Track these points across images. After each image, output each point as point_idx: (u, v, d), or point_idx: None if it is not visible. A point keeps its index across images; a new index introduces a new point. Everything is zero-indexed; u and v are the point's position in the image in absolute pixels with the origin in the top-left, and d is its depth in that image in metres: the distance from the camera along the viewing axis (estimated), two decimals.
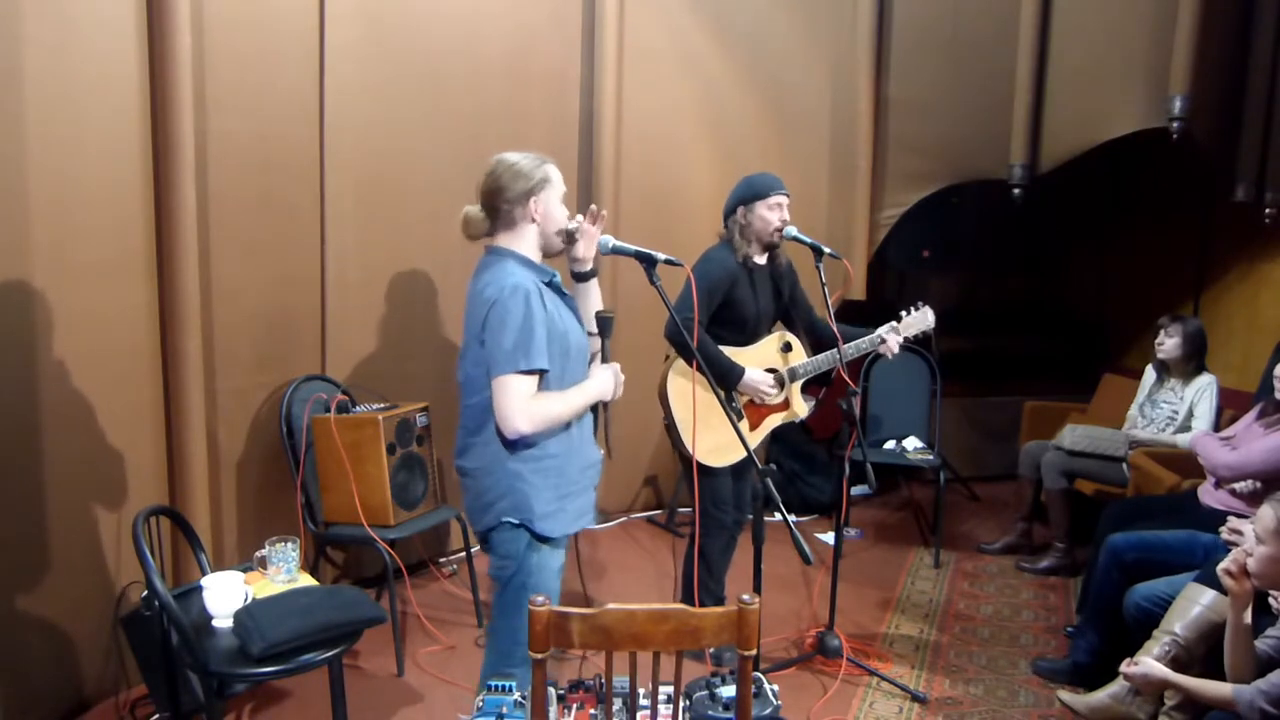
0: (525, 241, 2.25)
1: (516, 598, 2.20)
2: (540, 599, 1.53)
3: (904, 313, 3.33)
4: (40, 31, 2.51)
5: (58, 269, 2.60)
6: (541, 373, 2.13)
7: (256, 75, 3.12)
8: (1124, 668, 2.53)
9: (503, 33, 3.98)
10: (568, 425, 2.23)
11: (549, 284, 2.24)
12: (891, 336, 3.22)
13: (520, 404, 2.09)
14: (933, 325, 3.35)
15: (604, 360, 2.33)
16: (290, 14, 3.21)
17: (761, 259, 3.20)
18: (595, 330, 2.32)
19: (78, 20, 2.59)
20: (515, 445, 2.16)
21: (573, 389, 2.22)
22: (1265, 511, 2.24)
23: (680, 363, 3.09)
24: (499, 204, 2.23)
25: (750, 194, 3.13)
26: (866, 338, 3.23)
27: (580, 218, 2.32)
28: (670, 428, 3.13)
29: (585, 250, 2.31)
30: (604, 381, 2.28)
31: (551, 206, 2.25)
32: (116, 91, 2.72)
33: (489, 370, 2.11)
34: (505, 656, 2.24)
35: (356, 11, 3.40)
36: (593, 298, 2.38)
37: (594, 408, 2.34)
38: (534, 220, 2.23)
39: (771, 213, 3.11)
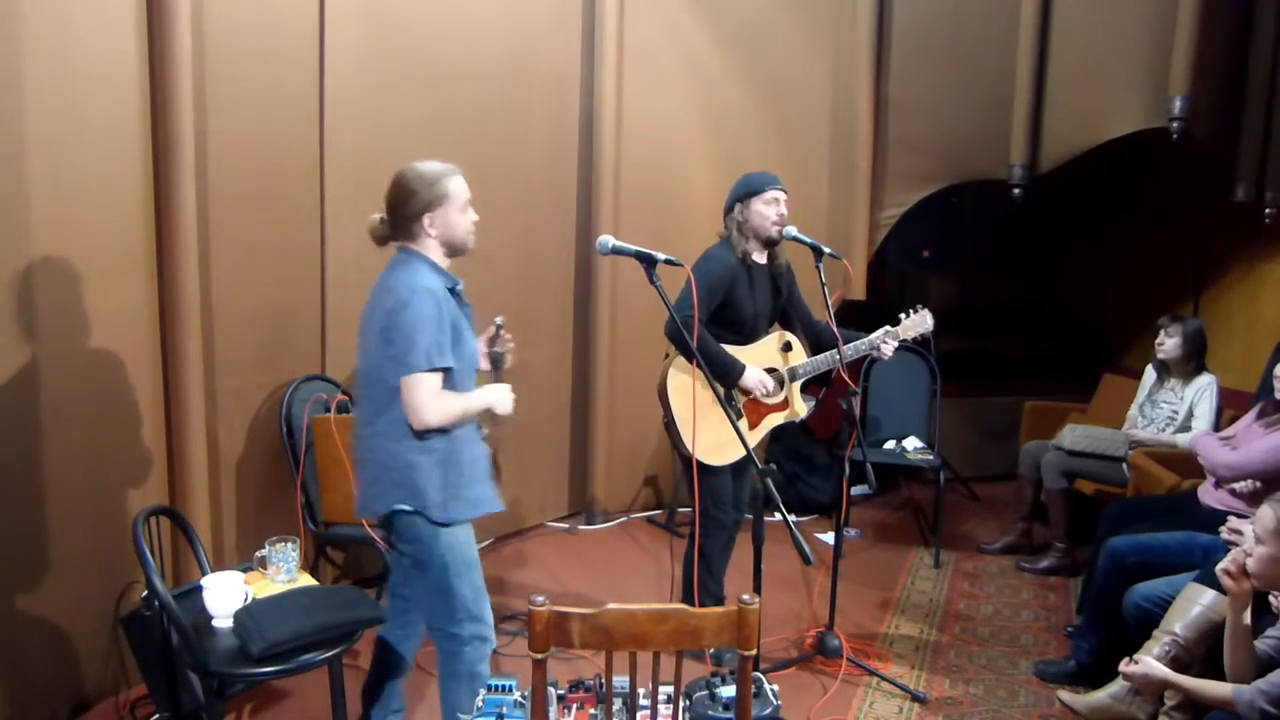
0: (429, 249, 2.34)
1: (442, 576, 2.33)
2: (540, 599, 1.53)
3: (903, 315, 3.33)
4: (40, 32, 2.51)
5: (58, 269, 2.61)
6: (447, 370, 2.26)
7: (257, 75, 3.12)
8: (1124, 667, 2.53)
9: (503, 33, 3.98)
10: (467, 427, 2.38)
11: (452, 290, 2.33)
12: (888, 344, 3.22)
13: (431, 399, 2.21)
14: (931, 328, 3.35)
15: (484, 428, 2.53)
16: (290, 14, 3.21)
17: (761, 257, 3.21)
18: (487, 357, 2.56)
19: (78, 20, 2.59)
20: (413, 437, 2.26)
21: (475, 393, 2.38)
22: (1265, 512, 2.24)
23: (681, 360, 3.10)
24: (397, 217, 2.31)
25: (747, 190, 3.14)
26: (864, 340, 3.23)
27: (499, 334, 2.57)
28: (670, 425, 3.13)
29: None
30: (502, 393, 2.45)
31: (450, 219, 2.31)
32: (117, 92, 2.72)
33: (397, 366, 2.21)
34: (450, 620, 2.37)
35: (356, 12, 3.40)
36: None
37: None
38: (431, 234, 2.31)
39: (768, 208, 3.11)
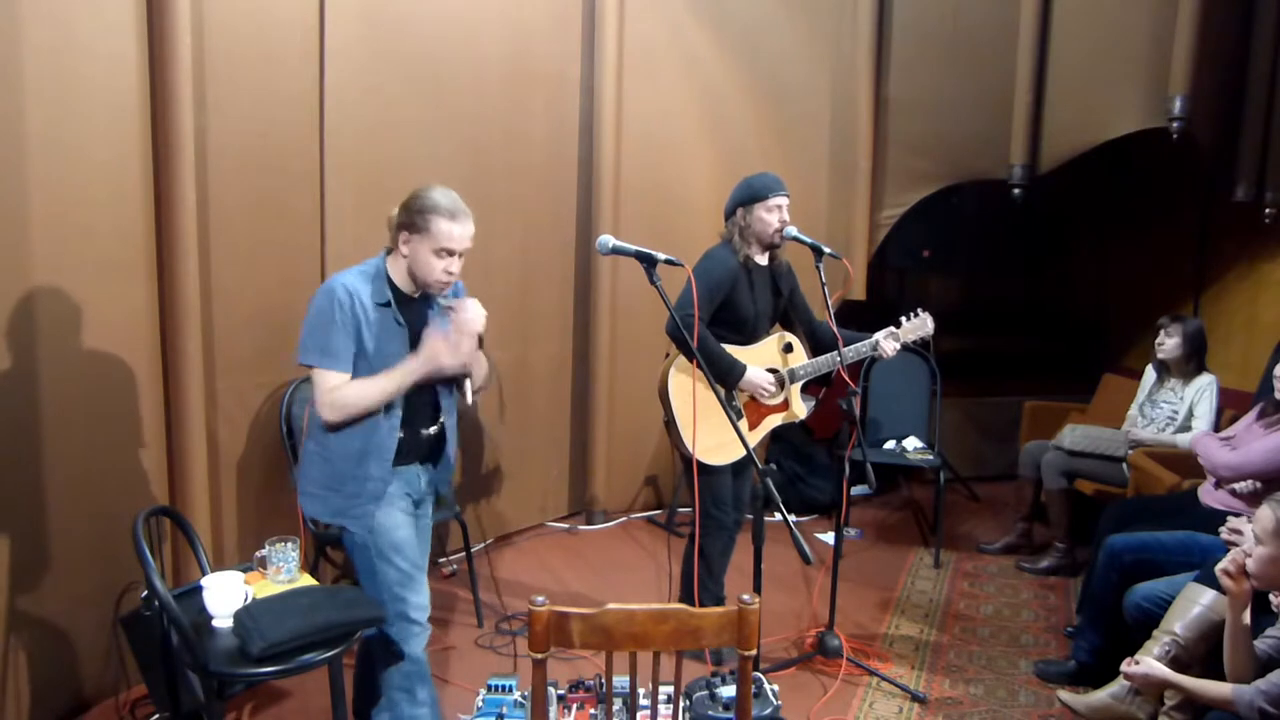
0: (396, 263, 2.37)
1: (365, 558, 2.42)
2: (540, 599, 1.53)
3: (904, 318, 3.34)
4: (40, 33, 2.51)
5: (58, 269, 2.61)
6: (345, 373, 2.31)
7: (257, 77, 3.12)
8: (1125, 667, 2.53)
9: (503, 34, 3.98)
10: (364, 424, 2.34)
11: (383, 304, 2.34)
12: (888, 344, 3.22)
13: (322, 395, 2.30)
14: (931, 331, 3.36)
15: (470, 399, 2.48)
16: (290, 16, 3.21)
17: (762, 259, 3.21)
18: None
19: (78, 22, 2.59)
20: (314, 430, 2.39)
21: (391, 371, 2.31)
22: (1264, 512, 2.24)
23: (681, 360, 3.10)
24: (393, 221, 2.36)
25: (749, 196, 3.13)
26: (865, 342, 3.24)
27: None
28: (670, 425, 3.13)
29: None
30: (415, 364, 2.32)
31: (419, 252, 2.31)
32: (117, 93, 2.72)
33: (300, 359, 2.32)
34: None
35: (356, 13, 3.40)
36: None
37: (457, 383, 2.47)
38: (401, 253, 2.34)
39: (771, 214, 3.11)
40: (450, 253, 2.30)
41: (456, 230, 2.29)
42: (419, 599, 2.44)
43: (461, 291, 2.52)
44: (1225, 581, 2.28)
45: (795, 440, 5.05)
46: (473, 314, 2.38)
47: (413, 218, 2.28)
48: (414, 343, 2.37)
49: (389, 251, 2.39)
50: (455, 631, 3.45)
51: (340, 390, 2.29)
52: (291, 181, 3.30)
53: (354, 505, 2.39)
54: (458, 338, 2.34)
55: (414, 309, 2.40)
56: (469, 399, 2.46)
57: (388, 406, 2.35)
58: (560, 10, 4.25)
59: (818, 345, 3.34)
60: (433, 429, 2.51)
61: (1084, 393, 5.04)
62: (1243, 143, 4.30)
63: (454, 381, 2.49)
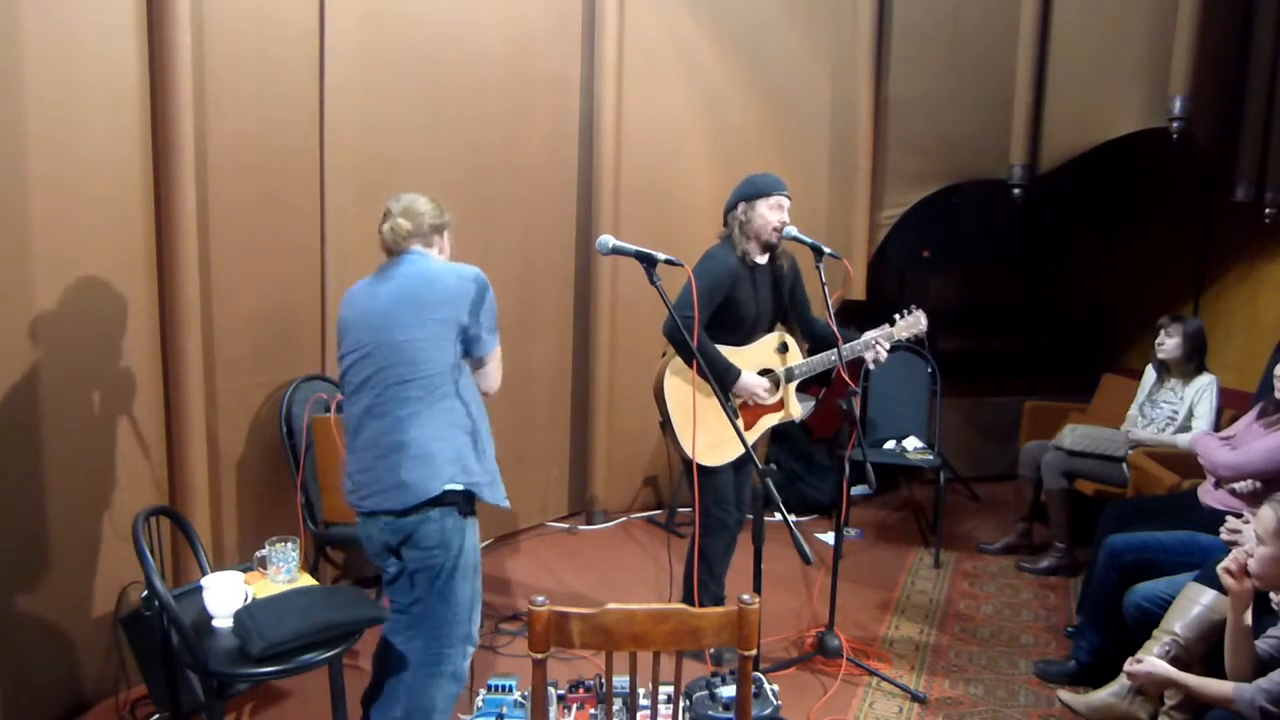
0: (439, 259, 2.49)
1: (448, 582, 2.37)
2: (540, 599, 1.53)
3: (898, 315, 3.34)
4: (41, 33, 2.51)
5: (58, 269, 2.61)
6: None
7: (257, 77, 3.12)
8: (1128, 666, 2.53)
9: (503, 35, 3.98)
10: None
11: None
12: (881, 345, 3.22)
13: (501, 370, 2.46)
14: (925, 329, 3.36)
15: None
16: (290, 15, 3.21)
17: (762, 258, 3.21)
18: None
19: (78, 22, 2.59)
20: (466, 417, 2.36)
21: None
22: (1266, 512, 2.24)
23: (677, 360, 3.09)
24: (424, 223, 2.43)
25: (753, 191, 3.14)
26: (859, 340, 3.24)
27: None
28: (665, 425, 3.13)
29: None
30: None
31: (449, 244, 2.54)
32: (117, 93, 2.72)
33: (478, 343, 2.36)
34: (446, 623, 2.39)
35: (356, 13, 3.40)
36: None
37: None
38: (443, 250, 2.50)
39: (772, 212, 3.11)
40: None
41: None
42: (480, 618, 2.46)
43: None
44: (1227, 580, 2.28)
45: (795, 440, 5.05)
46: None
47: (449, 217, 2.49)
48: None
49: (419, 252, 2.42)
50: None
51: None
52: (291, 181, 3.30)
53: (494, 478, 2.44)
54: None
55: None
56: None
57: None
58: (560, 11, 4.25)
59: (816, 345, 3.34)
60: None
61: (1084, 393, 5.03)
62: (1243, 143, 4.30)
63: None
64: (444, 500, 2.29)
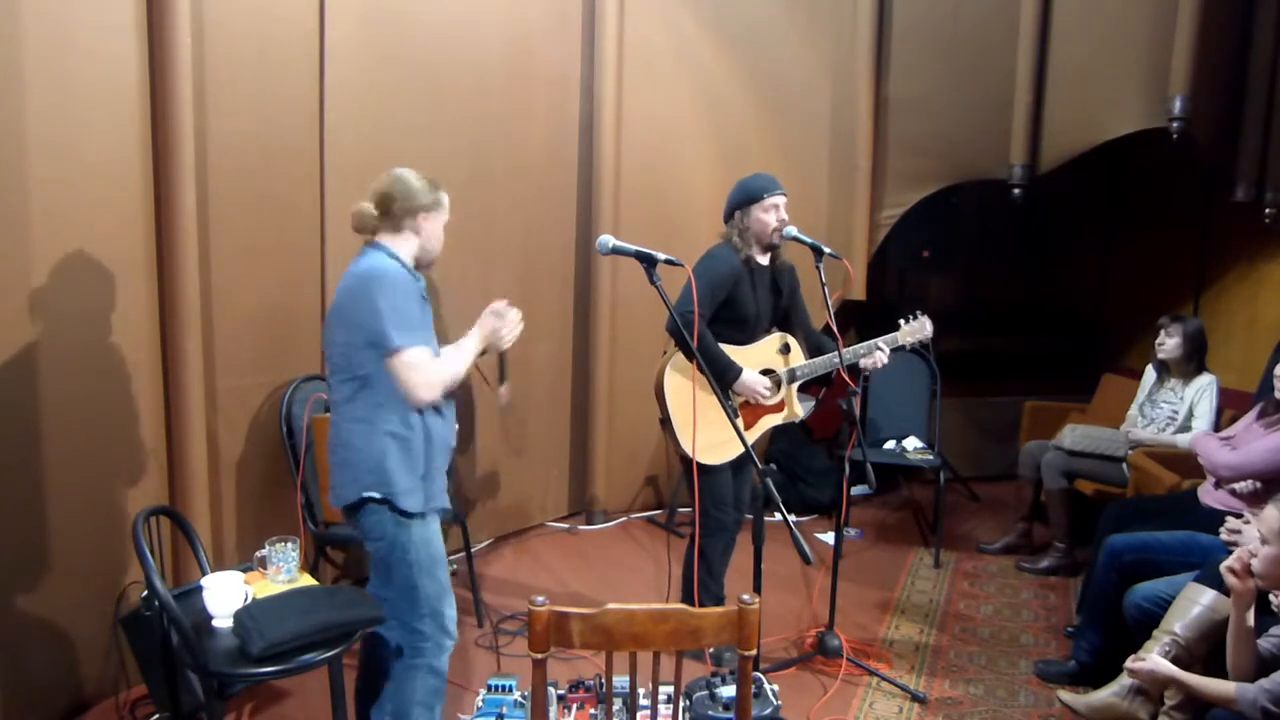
0: (404, 247, 2.38)
1: (408, 574, 2.37)
2: (540, 599, 1.53)
3: (902, 321, 3.34)
4: (41, 33, 2.51)
5: (58, 269, 2.61)
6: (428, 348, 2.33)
7: (257, 77, 3.12)
8: (1130, 664, 2.53)
9: (503, 34, 3.98)
10: (436, 409, 2.36)
11: (416, 283, 2.37)
12: (881, 350, 3.22)
13: (421, 375, 2.26)
14: (930, 335, 3.37)
15: (501, 379, 2.60)
16: (290, 16, 3.21)
17: (763, 259, 3.21)
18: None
19: (78, 22, 2.59)
20: (385, 420, 2.29)
21: (458, 344, 2.40)
22: (1270, 512, 2.24)
23: (678, 358, 3.09)
24: (394, 207, 2.35)
25: (745, 198, 3.14)
26: (862, 344, 3.24)
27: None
28: (665, 423, 3.13)
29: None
30: (493, 321, 2.44)
31: (436, 227, 2.41)
32: (117, 93, 2.72)
33: (378, 348, 2.23)
34: (413, 616, 2.39)
35: (356, 13, 3.40)
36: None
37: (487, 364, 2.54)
38: (417, 233, 2.38)
39: (768, 215, 3.12)
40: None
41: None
42: (452, 612, 2.44)
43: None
44: (1229, 579, 2.27)
45: (795, 440, 5.05)
46: (515, 327, 2.48)
47: (425, 200, 2.36)
48: None
49: (371, 245, 2.37)
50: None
51: (434, 366, 2.30)
52: (291, 181, 3.30)
53: (440, 492, 2.39)
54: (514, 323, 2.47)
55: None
56: (504, 397, 2.61)
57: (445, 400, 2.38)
58: (560, 11, 4.25)
59: (814, 351, 3.35)
60: (456, 427, 2.53)
61: (1084, 393, 5.03)
62: (1243, 143, 4.29)
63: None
64: (371, 502, 2.31)
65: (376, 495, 2.30)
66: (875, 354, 3.22)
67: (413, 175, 2.38)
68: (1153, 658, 2.48)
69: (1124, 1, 4.11)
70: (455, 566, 3.97)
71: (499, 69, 3.99)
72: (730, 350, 3.12)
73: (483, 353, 2.49)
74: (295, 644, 2.20)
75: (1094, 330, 5.90)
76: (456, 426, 2.53)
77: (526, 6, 4.07)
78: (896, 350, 3.32)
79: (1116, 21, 4.14)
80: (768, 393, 3.18)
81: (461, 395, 2.60)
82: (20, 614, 2.60)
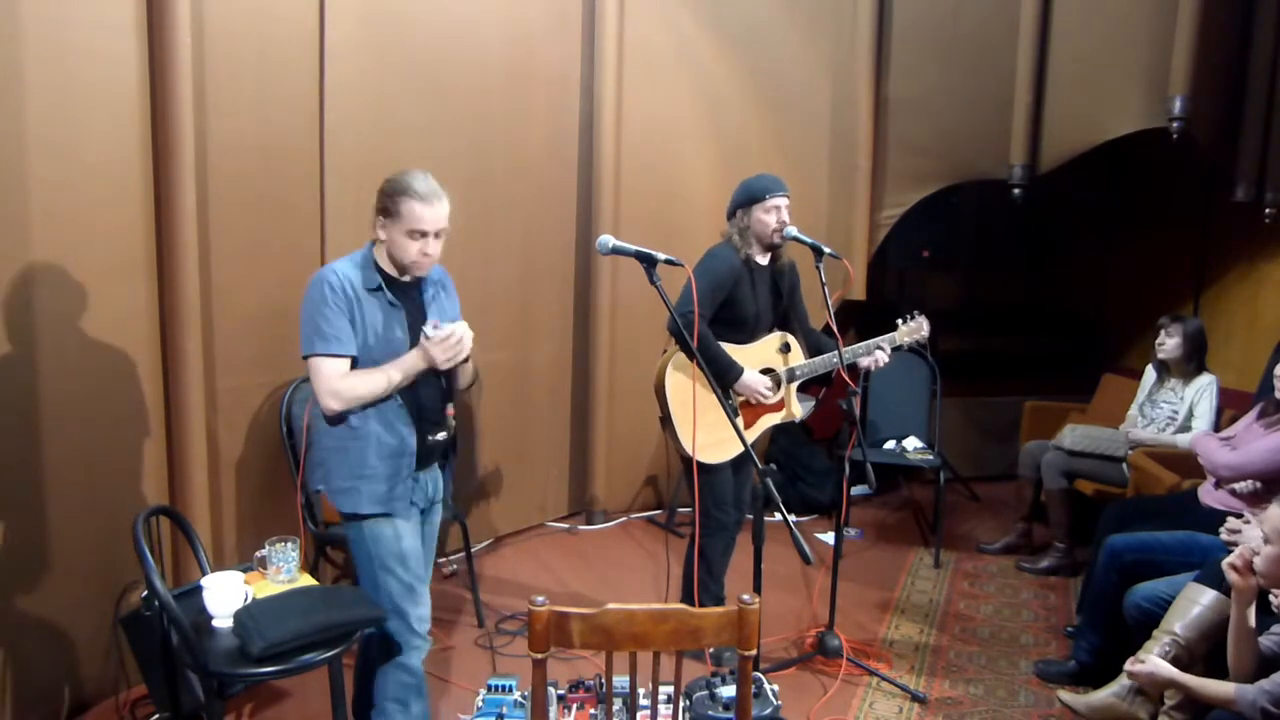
0: (379, 249, 2.38)
1: (368, 567, 2.43)
2: (540, 599, 1.53)
3: (900, 321, 3.35)
4: (41, 33, 2.51)
5: (58, 270, 2.61)
6: (346, 358, 2.29)
7: (257, 78, 3.12)
8: (1130, 665, 2.53)
9: (503, 35, 3.98)
10: (382, 414, 2.35)
11: (374, 289, 2.34)
12: (881, 350, 3.23)
13: (326, 383, 2.28)
14: (927, 335, 3.38)
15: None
16: (290, 16, 3.21)
17: (763, 259, 3.22)
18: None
19: (78, 22, 2.59)
20: (327, 419, 2.35)
21: (388, 365, 2.32)
22: (1273, 511, 2.24)
23: (679, 357, 3.10)
24: (375, 203, 2.35)
25: (747, 198, 3.15)
26: (861, 344, 3.25)
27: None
28: (665, 422, 3.13)
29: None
30: (439, 347, 2.31)
31: (394, 234, 2.32)
32: (117, 93, 2.72)
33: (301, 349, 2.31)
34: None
35: (356, 14, 3.40)
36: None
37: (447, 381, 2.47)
38: (380, 238, 2.35)
39: (769, 215, 3.13)
40: (423, 234, 2.30)
41: (428, 213, 2.29)
42: (420, 610, 2.43)
43: (441, 274, 2.54)
44: (1231, 576, 2.28)
45: (795, 440, 5.05)
46: (462, 343, 2.36)
47: (385, 202, 2.31)
48: (412, 326, 2.38)
49: (375, 242, 2.39)
50: (455, 631, 3.45)
51: (345, 378, 2.28)
52: (291, 181, 3.30)
53: (391, 489, 2.38)
54: (452, 345, 2.33)
55: (406, 292, 2.41)
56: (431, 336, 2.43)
57: (400, 395, 2.34)
58: (560, 11, 4.25)
59: (813, 351, 3.35)
60: (441, 435, 2.49)
61: (1084, 393, 5.03)
62: (1243, 143, 4.29)
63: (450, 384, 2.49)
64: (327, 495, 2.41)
65: (322, 488, 2.41)
66: (875, 353, 3.22)
67: (400, 175, 2.33)
68: (1152, 660, 2.48)
69: (1124, 1, 4.11)
70: (455, 567, 3.98)
71: (499, 69, 3.98)
72: (730, 350, 3.12)
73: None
74: (295, 644, 2.20)
75: (1094, 330, 5.90)
76: (445, 436, 2.49)
77: (526, 6, 4.07)
78: (895, 350, 3.33)
79: (1117, 21, 4.14)
80: (769, 393, 3.18)
81: (461, 400, 2.56)
82: (20, 614, 2.60)
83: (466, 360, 2.43)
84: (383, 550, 2.39)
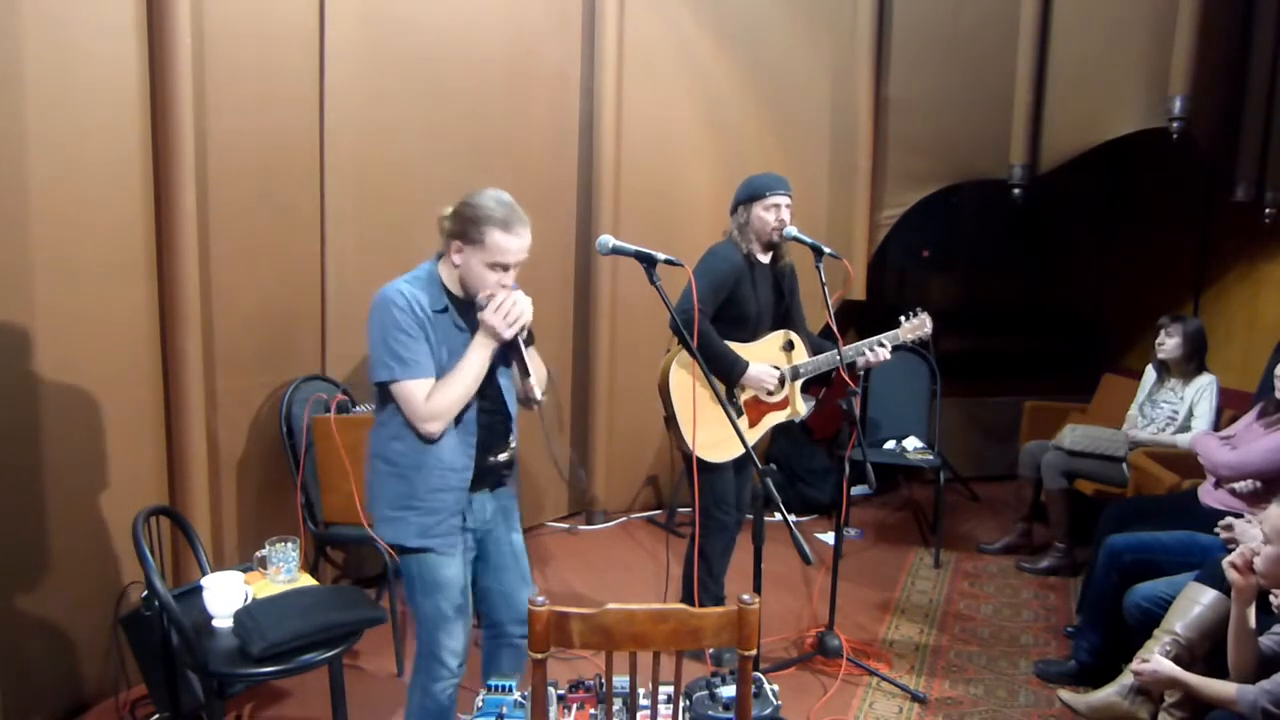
0: (449, 268, 2.23)
1: (410, 590, 2.30)
2: (540, 599, 1.53)
3: (903, 318, 3.35)
4: (41, 34, 2.51)
5: (58, 270, 2.61)
6: (429, 380, 2.16)
7: (257, 77, 3.12)
8: (1134, 666, 2.53)
9: (503, 35, 3.98)
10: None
11: (440, 310, 2.21)
12: (883, 347, 3.22)
13: (421, 407, 2.14)
14: (930, 332, 3.38)
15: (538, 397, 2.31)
16: (290, 17, 3.21)
17: (764, 257, 3.22)
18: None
19: (78, 23, 2.59)
20: (383, 443, 2.24)
21: (460, 364, 2.18)
22: (1274, 511, 2.24)
23: (683, 355, 3.09)
24: (448, 225, 2.20)
25: (749, 194, 3.16)
26: (863, 342, 3.25)
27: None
28: (670, 421, 3.13)
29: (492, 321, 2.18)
30: (479, 340, 2.20)
31: (472, 263, 2.17)
32: (117, 94, 2.72)
33: (379, 373, 2.15)
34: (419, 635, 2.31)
35: (356, 14, 3.40)
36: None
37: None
38: (454, 263, 2.20)
39: (768, 213, 3.13)
40: (505, 267, 2.17)
41: (514, 244, 2.15)
42: (452, 644, 2.29)
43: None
44: (1232, 575, 2.28)
45: (795, 440, 5.05)
46: (517, 305, 2.21)
47: (465, 227, 2.14)
48: None
49: (440, 256, 2.25)
50: None
51: (432, 399, 2.14)
52: (291, 182, 3.30)
53: (439, 523, 2.24)
54: (507, 307, 2.19)
55: (469, 314, 2.25)
56: (537, 396, 2.29)
57: (458, 419, 2.21)
58: (560, 11, 4.25)
59: (813, 352, 3.35)
60: (504, 455, 2.39)
61: (1084, 393, 5.03)
62: (1243, 143, 4.30)
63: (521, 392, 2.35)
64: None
65: (372, 514, 2.31)
66: (877, 349, 3.22)
67: (486, 198, 2.16)
68: (1156, 659, 2.48)
69: (1124, 1, 4.12)
70: None
71: (499, 69, 3.98)
72: (735, 348, 3.12)
73: (529, 343, 2.27)
74: (295, 644, 2.21)
75: (1094, 330, 5.90)
76: (505, 457, 2.40)
77: (526, 6, 4.07)
78: (897, 347, 3.32)
79: (1116, 21, 4.14)
80: (774, 384, 3.18)
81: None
82: (20, 614, 2.60)
83: (531, 341, 2.27)
84: (425, 575, 2.26)
